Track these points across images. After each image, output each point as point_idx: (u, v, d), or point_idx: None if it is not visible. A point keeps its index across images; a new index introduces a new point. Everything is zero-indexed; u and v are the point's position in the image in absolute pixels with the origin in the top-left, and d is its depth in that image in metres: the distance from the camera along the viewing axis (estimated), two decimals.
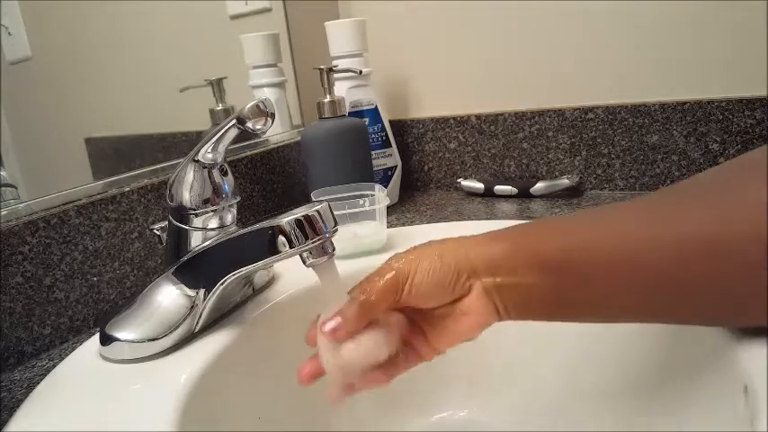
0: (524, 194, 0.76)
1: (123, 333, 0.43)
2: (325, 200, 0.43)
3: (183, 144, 0.69)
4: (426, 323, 0.39)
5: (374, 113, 0.78)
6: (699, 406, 0.40)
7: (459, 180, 0.83)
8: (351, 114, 0.75)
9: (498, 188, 0.78)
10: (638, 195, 0.72)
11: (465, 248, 0.37)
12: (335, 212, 0.42)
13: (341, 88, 0.76)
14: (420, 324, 0.39)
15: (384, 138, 0.80)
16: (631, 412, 0.47)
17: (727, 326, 0.37)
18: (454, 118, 0.83)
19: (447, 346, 0.39)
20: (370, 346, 0.36)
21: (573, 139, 0.76)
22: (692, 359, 0.42)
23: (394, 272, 0.36)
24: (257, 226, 0.41)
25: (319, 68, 0.70)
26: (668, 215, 0.34)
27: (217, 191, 0.45)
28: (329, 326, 0.36)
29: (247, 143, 0.73)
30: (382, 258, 0.59)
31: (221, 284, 0.44)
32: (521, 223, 0.39)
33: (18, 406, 0.39)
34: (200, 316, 0.45)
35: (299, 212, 0.39)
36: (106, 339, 0.43)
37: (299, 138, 0.76)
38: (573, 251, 0.35)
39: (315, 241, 0.39)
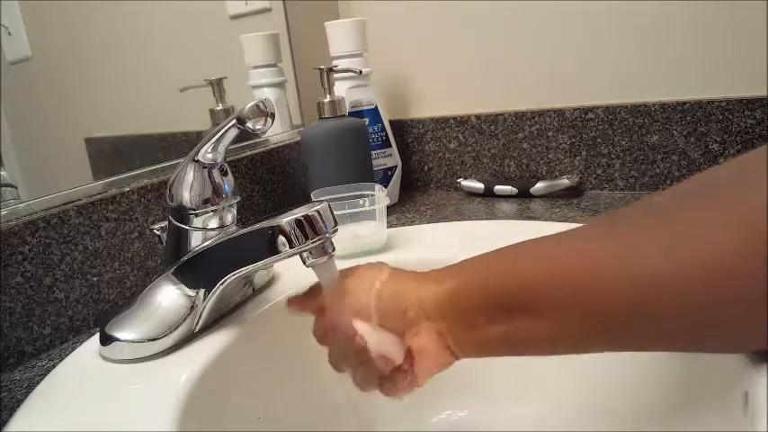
0: (524, 194, 0.76)
1: (123, 333, 0.43)
2: (325, 200, 0.43)
3: (183, 144, 0.69)
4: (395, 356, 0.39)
5: (374, 113, 0.78)
6: (698, 410, 0.40)
7: (459, 180, 0.83)
8: (351, 114, 0.75)
9: (498, 188, 0.78)
10: (638, 195, 0.72)
11: (417, 287, 0.37)
12: (335, 212, 0.42)
13: (341, 88, 0.76)
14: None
15: (384, 138, 0.80)
16: (630, 414, 0.47)
17: (716, 352, 0.35)
18: (454, 118, 0.83)
19: (422, 381, 0.38)
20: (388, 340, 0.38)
21: (573, 139, 0.76)
22: (691, 364, 0.42)
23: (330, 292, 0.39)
24: (257, 226, 0.41)
25: (319, 68, 0.70)
26: (620, 247, 0.30)
27: (217, 191, 0.45)
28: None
29: (247, 143, 0.73)
30: (382, 258, 0.59)
31: (221, 284, 0.44)
32: (470, 258, 0.37)
33: (18, 406, 0.39)
34: (200, 316, 0.45)
35: (299, 212, 0.39)
36: (106, 339, 0.43)
37: (299, 138, 0.76)
38: (522, 286, 0.33)
39: (315, 241, 0.39)
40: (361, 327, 0.38)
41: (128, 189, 0.56)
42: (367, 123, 0.76)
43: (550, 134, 0.77)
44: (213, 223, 0.46)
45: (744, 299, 0.26)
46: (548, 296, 0.32)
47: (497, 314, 0.34)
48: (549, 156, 0.78)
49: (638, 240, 0.30)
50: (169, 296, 0.45)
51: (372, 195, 0.59)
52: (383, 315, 0.37)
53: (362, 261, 0.56)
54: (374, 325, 0.38)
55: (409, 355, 0.37)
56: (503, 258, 0.36)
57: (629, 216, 0.33)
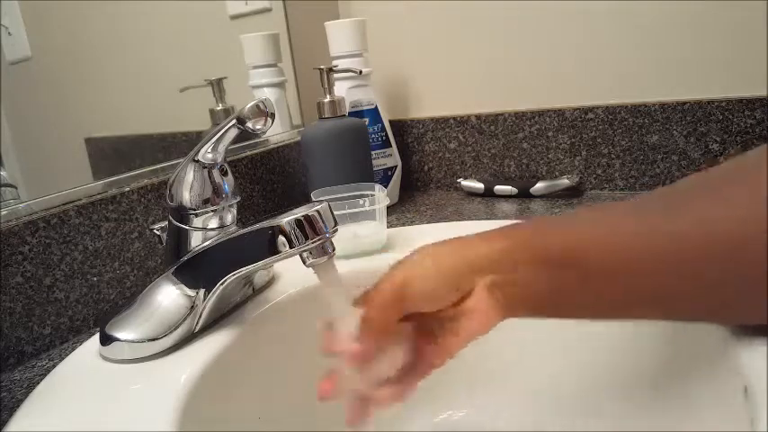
0: (524, 194, 0.76)
1: (123, 333, 0.43)
2: (325, 200, 0.43)
3: (183, 144, 0.69)
4: (435, 326, 0.38)
5: (374, 113, 0.78)
6: (699, 406, 0.40)
7: (459, 180, 0.83)
8: (351, 114, 0.75)
9: (498, 188, 0.78)
10: (638, 195, 0.72)
11: (464, 249, 0.37)
12: (335, 212, 0.42)
13: (341, 88, 0.76)
14: (428, 329, 0.39)
15: (384, 138, 0.80)
16: (631, 412, 0.47)
17: (729, 325, 0.37)
18: (454, 118, 0.83)
19: (457, 349, 0.39)
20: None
21: (573, 139, 0.76)
22: (692, 360, 0.42)
23: (392, 285, 0.36)
24: (257, 226, 0.41)
25: (319, 68, 0.70)
26: (663, 215, 0.34)
27: (217, 191, 0.45)
28: (350, 357, 0.37)
29: (247, 143, 0.73)
30: (382, 258, 0.59)
31: (221, 284, 0.44)
32: (520, 221, 0.39)
33: (18, 406, 0.39)
34: (200, 316, 0.45)
35: (299, 212, 0.39)
36: (106, 339, 0.43)
37: (299, 138, 0.76)
38: (576, 247, 0.35)
39: (315, 241, 0.39)
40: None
41: (128, 189, 0.56)
42: (367, 123, 0.76)
43: (550, 134, 0.77)
44: (213, 223, 0.46)
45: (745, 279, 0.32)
46: (604, 256, 0.34)
47: (550, 271, 0.35)
48: (549, 156, 0.78)
49: (694, 204, 0.34)
50: (169, 296, 0.45)
51: (372, 195, 0.59)
52: (445, 296, 0.36)
53: (362, 261, 0.57)
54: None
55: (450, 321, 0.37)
56: (556, 218, 0.38)
57: (676, 188, 0.37)
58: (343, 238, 0.56)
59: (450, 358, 0.39)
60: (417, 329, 0.39)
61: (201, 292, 0.45)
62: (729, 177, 0.35)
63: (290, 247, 0.39)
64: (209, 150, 0.44)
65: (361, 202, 0.58)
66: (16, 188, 0.52)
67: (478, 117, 0.82)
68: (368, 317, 0.36)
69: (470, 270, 0.36)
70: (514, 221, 0.40)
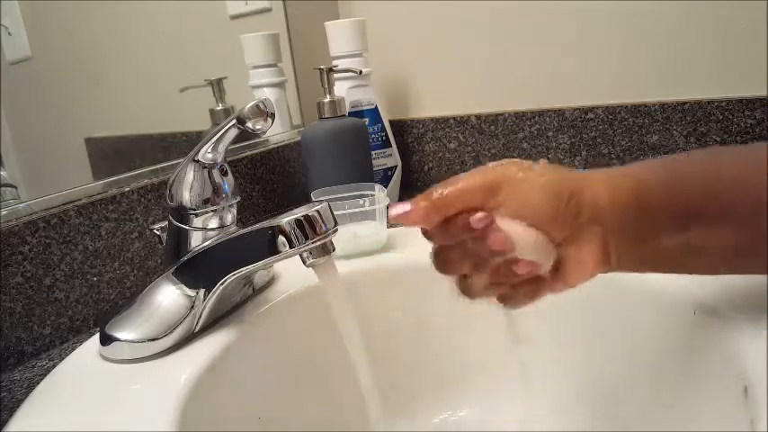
0: None
1: (123, 333, 0.43)
2: (325, 200, 0.43)
3: (183, 144, 0.69)
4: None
5: (374, 113, 0.78)
6: (699, 406, 0.40)
7: None
8: (351, 114, 0.75)
9: None
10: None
11: (579, 179, 0.33)
12: (335, 212, 0.42)
13: (341, 88, 0.76)
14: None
15: (384, 138, 0.80)
16: (632, 412, 0.47)
17: None
18: (454, 118, 0.83)
19: (543, 294, 0.35)
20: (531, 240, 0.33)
21: (573, 139, 0.76)
22: (691, 359, 0.42)
23: (488, 179, 0.32)
24: (257, 226, 0.41)
25: (319, 68, 0.70)
26: None
27: (217, 191, 0.45)
28: (394, 211, 0.33)
29: (247, 143, 0.73)
30: (382, 258, 0.59)
31: (221, 284, 0.44)
32: (645, 162, 0.35)
33: (18, 406, 0.39)
34: (200, 316, 0.45)
35: (299, 212, 0.39)
36: (106, 339, 0.43)
37: (299, 138, 0.76)
38: (711, 190, 0.31)
39: (315, 241, 0.39)
40: (510, 227, 0.32)
41: (128, 189, 0.56)
42: (367, 123, 0.76)
43: (550, 134, 0.77)
44: (213, 223, 0.46)
45: None
46: (740, 200, 0.31)
47: (679, 220, 0.32)
48: (549, 156, 0.78)
49: None
50: (169, 296, 0.45)
51: (372, 195, 0.59)
52: (549, 217, 0.32)
53: (362, 261, 0.57)
54: (527, 226, 0.32)
55: (558, 262, 0.34)
56: (687, 161, 0.33)
57: None
58: (343, 238, 0.56)
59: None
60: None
61: (201, 292, 0.45)
62: None
63: (290, 247, 0.39)
64: (209, 150, 0.44)
65: (361, 202, 0.58)
66: (16, 188, 0.52)
67: (478, 117, 0.82)
68: (440, 195, 0.33)
69: (591, 211, 0.32)
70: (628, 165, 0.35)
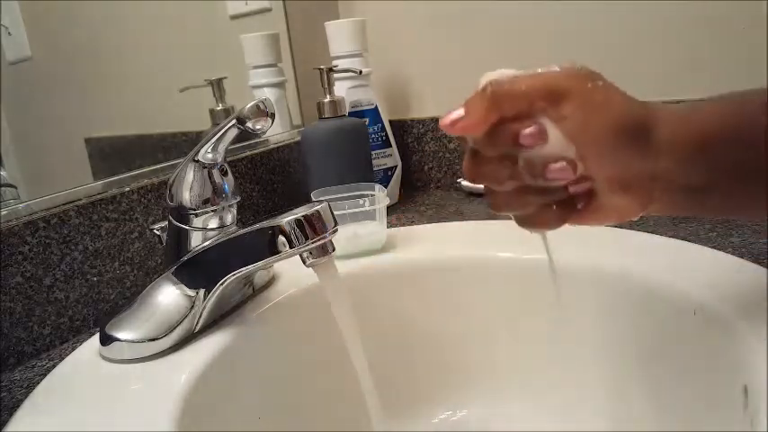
0: None
1: (123, 333, 0.43)
2: (325, 200, 0.43)
3: (183, 144, 0.69)
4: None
5: (374, 113, 0.78)
6: (699, 406, 0.40)
7: (459, 180, 0.83)
8: (351, 114, 0.75)
9: None
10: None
11: (662, 122, 0.32)
12: (335, 212, 0.42)
13: (341, 88, 0.76)
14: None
15: (384, 138, 0.80)
16: (631, 412, 0.47)
17: None
18: None
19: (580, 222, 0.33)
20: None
21: None
22: (692, 359, 0.42)
23: (557, 79, 0.30)
24: (257, 226, 0.41)
25: (319, 68, 0.70)
26: None
27: (217, 191, 0.45)
28: (449, 118, 0.30)
29: (247, 143, 0.73)
30: (382, 258, 0.59)
31: (221, 284, 0.44)
32: (704, 107, 0.34)
33: (18, 406, 0.39)
34: (200, 316, 0.45)
35: (299, 212, 0.39)
36: (106, 339, 0.43)
37: (299, 138, 0.76)
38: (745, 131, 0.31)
39: (315, 241, 0.39)
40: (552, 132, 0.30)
41: (128, 189, 0.56)
42: (367, 123, 0.76)
43: None
44: (213, 223, 0.46)
45: None
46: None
47: (745, 151, 0.31)
48: None
49: None
50: (169, 296, 0.45)
51: (372, 195, 0.59)
52: (609, 152, 0.30)
53: (362, 261, 0.57)
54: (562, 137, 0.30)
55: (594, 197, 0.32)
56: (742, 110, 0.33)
57: None
58: (343, 238, 0.56)
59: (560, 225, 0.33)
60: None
61: (201, 292, 0.45)
62: None
63: (290, 247, 0.39)
64: (209, 150, 0.44)
65: (361, 202, 0.58)
66: (16, 188, 0.52)
67: None
68: (500, 88, 0.30)
69: (654, 163, 0.30)
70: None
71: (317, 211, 0.40)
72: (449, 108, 0.32)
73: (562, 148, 0.30)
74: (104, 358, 0.44)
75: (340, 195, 0.60)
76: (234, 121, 0.42)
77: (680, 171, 0.31)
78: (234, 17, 0.77)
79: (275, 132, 0.79)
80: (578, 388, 0.51)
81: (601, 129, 0.30)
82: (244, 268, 0.43)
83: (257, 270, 0.47)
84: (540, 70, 0.32)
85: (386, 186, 0.79)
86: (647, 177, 0.31)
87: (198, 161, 0.45)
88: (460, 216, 0.72)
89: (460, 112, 0.30)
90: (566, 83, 0.30)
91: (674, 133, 0.31)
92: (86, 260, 0.52)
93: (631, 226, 0.60)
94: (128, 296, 0.56)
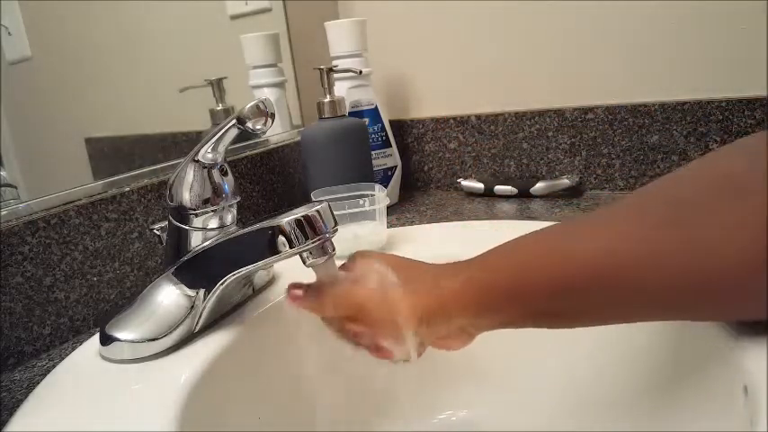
0: (524, 194, 0.76)
1: (123, 333, 0.43)
2: (325, 200, 0.43)
3: (183, 144, 0.69)
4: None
5: (374, 113, 0.78)
6: (699, 406, 0.40)
7: (459, 180, 0.83)
8: (351, 114, 0.75)
9: (498, 188, 0.78)
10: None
11: (432, 292, 0.38)
12: (335, 212, 0.42)
13: (341, 88, 0.76)
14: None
15: (384, 138, 0.80)
16: (631, 412, 0.47)
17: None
18: (454, 118, 0.83)
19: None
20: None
21: (573, 139, 0.76)
22: (692, 359, 0.42)
23: (356, 304, 0.39)
24: (257, 226, 0.41)
25: (319, 68, 0.70)
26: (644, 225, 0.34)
27: (217, 191, 0.45)
28: (293, 293, 0.41)
29: (247, 143, 0.73)
30: None
31: (221, 284, 0.44)
32: (477, 256, 0.39)
33: (18, 406, 0.39)
34: (200, 316, 0.45)
35: (299, 212, 0.39)
36: (106, 339, 0.43)
37: (299, 138, 0.76)
38: (519, 283, 0.36)
39: (315, 241, 0.39)
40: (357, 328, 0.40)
41: (128, 189, 0.56)
42: (367, 123, 0.76)
43: (550, 134, 0.77)
44: (213, 223, 0.46)
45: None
46: (576, 287, 0.34)
47: (497, 314, 0.37)
48: (549, 156, 0.78)
49: (663, 236, 0.33)
50: (169, 296, 0.45)
51: (372, 195, 0.59)
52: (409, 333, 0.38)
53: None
54: (369, 330, 0.39)
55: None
56: (523, 252, 0.38)
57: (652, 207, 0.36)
58: (343, 238, 0.56)
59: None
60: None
61: (201, 292, 0.45)
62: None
63: (290, 247, 0.39)
64: (209, 150, 0.44)
65: (361, 202, 0.58)
66: (16, 188, 0.52)
67: (478, 117, 0.82)
68: (319, 307, 0.40)
69: (441, 311, 0.38)
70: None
71: (317, 211, 0.40)
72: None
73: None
74: (104, 358, 0.44)
75: (340, 195, 0.60)
76: (234, 121, 0.42)
77: (480, 323, 0.38)
78: (234, 17, 0.77)
79: (275, 132, 0.79)
80: (578, 388, 0.51)
81: (394, 327, 0.38)
82: (244, 268, 0.43)
83: (257, 270, 0.47)
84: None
85: (386, 186, 0.79)
86: (455, 330, 0.39)
87: (198, 161, 0.45)
88: (460, 216, 0.72)
89: (298, 296, 0.41)
90: (360, 301, 0.39)
91: (459, 298, 0.37)
92: (86, 260, 0.52)
93: None
94: (128, 296, 0.56)
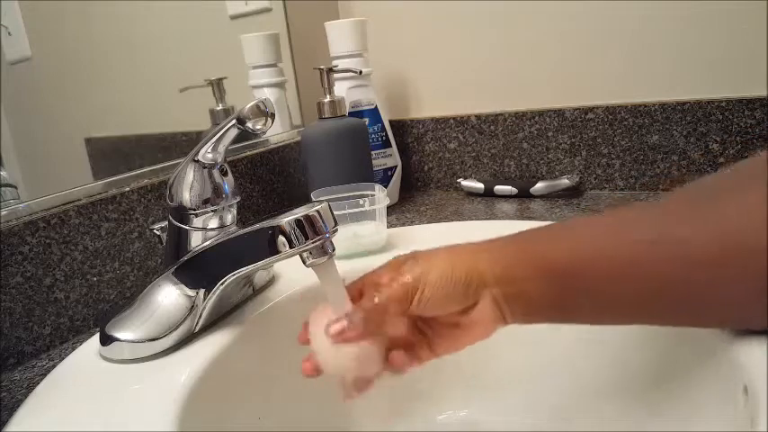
0: (524, 194, 0.76)
1: (123, 333, 0.43)
2: (325, 200, 0.43)
3: (183, 144, 0.69)
4: (430, 329, 0.39)
5: (374, 113, 0.78)
6: (699, 406, 0.40)
7: (459, 180, 0.83)
8: (351, 114, 0.75)
9: (498, 188, 0.78)
10: (638, 196, 0.72)
11: (474, 259, 0.37)
12: (335, 212, 0.42)
13: (341, 88, 0.76)
14: (423, 328, 0.39)
15: (384, 138, 0.80)
16: (631, 412, 0.47)
17: (728, 328, 0.37)
18: (454, 118, 0.83)
19: (447, 353, 0.39)
20: (369, 357, 0.37)
21: (573, 139, 0.76)
22: (692, 359, 0.42)
23: (403, 283, 0.36)
24: (257, 226, 0.41)
25: (319, 68, 0.70)
26: (670, 223, 0.34)
27: (217, 191, 0.45)
28: (335, 328, 0.36)
29: (247, 143, 0.73)
30: (382, 258, 0.59)
31: (221, 284, 0.44)
32: (525, 230, 0.39)
33: (18, 406, 0.39)
34: (200, 316, 0.45)
35: (299, 212, 0.39)
36: (106, 339, 0.43)
37: (299, 138, 0.76)
38: (578, 258, 0.35)
39: (315, 241, 0.39)
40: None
41: (128, 189, 0.56)
42: (367, 123, 0.76)
43: (550, 134, 0.77)
44: (213, 223, 0.46)
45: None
46: (605, 266, 0.34)
47: (554, 283, 0.35)
48: (549, 156, 0.78)
49: (693, 214, 0.33)
50: (169, 296, 0.45)
51: (372, 195, 0.59)
52: (445, 295, 0.36)
53: (362, 261, 0.57)
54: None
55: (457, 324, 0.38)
56: (559, 229, 0.38)
57: (674, 198, 0.37)
58: (343, 238, 0.56)
59: (435, 358, 0.40)
60: (412, 326, 0.39)
61: (201, 292, 0.45)
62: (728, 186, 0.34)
63: (290, 247, 0.39)
64: (209, 150, 0.44)
65: (361, 202, 0.58)
66: (16, 188, 0.52)
67: (478, 117, 0.82)
68: (369, 308, 0.36)
69: (480, 281, 0.36)
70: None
71: (317, 211, 0.40)
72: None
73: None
74: (104, 358, 0.44)
75: (340, 195, 0.60)
76: (234, 121, 0.42)
77: (508, 298, 0.37)
78: (234, 17, 0.77)
79: (275, 132, 0.79)
80: (578, 388, 0.51)
81: (440, 293, 0.36)
82: (244, 268, 0.43)
83: (257, 270, 0.47)
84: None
85: (386, 186, 0.79)
86: (488, 298, 0.37)
87: (198, 161, 0.45)
88: (460, 216, 0.72)
89: (344, 323, 0.37)
90: (406, 282, 0.36)
91: (491, 271, 0.37)
92: (86, 260, 0.52)
93: None
94: (128, 296, 0.56)
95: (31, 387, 0.42)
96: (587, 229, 0.37)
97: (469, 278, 0.36)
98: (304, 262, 0.40)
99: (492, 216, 0.71)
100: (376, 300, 0.36)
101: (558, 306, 0.36)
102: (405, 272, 0.37)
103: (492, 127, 0.81)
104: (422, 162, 0.88)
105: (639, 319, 0.37)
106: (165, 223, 0.48)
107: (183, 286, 0.45)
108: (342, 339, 0.36)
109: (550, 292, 0.36)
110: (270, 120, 0.43)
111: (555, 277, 0.35)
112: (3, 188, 0.51)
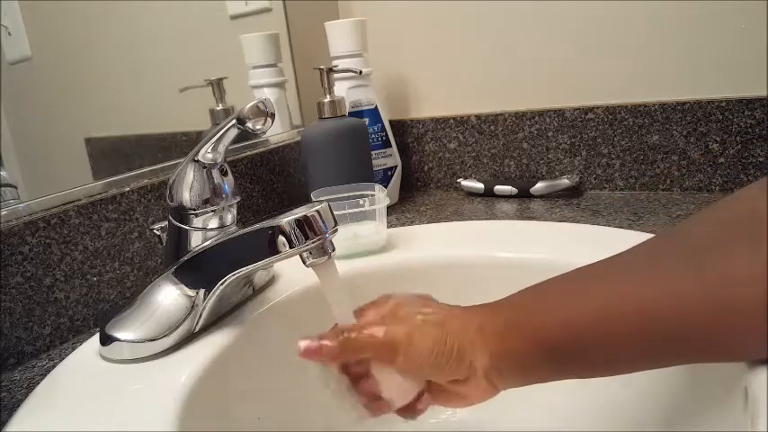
0: (524, 194, 0.76)
1: (123, 333, 0.43)
2: (325, 200, 0.43)
3: (183, 144, 0.69)
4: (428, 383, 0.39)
5: (374, 113, 0.78)
6: (699, 406, 0.40)
7: (459, 180, 0.83)
8: (351, 114, 0.75)
9: (498, 188, 0.78)
10: (638, 195, 0.72)
11: (466, 329, 0.37)
12: (335, 212, 0.42)
13: (341, 88, 0.76)
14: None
15: (384, 138, 0.80)
16: (630, 412, 0.47)
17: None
18: (454, 118, 0.83)
19: (441, 406, 0.40)
20: (394, 393, 0.38)
21: (573, 139, 0.76)
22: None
23: (389, 339, 0.36)
24: (257, 226, 0.41)
25: (319, 68, 0.70)
26: (669, 280, 0.33)
27: (217, 191, 0.45)
28: (304, 344, 0.37)
29: (247, 143, 0.73)
30: (382, 258, 0.59)
31: (221, 284, 0.44)
32: (520, 292, 0.38)
33: (18, 406, 0.39)
34: (200, 316, 0.45)
35: (298, 212, 0.39)
36: (106, 339, 0.43)
37: (299, 138, 0.76)
38: (574, 330, 0.35)
39: (315, 241, 0.39)
40: (381, 375, 0.38)
41: (128, 189, 0.56)
42: (367, 123, 0.76)
43: (550, 134, 0.77)
44: (213, 223, 0.46)
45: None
46: (592, 339, 0.34)
47: (545, 358, 0.36)
48: (549, 156, 0.78)
49: (686, 269, 0.32)
50: (169, 296, 0.45)
51: (372, 195, 0.59)
52: (435, 364, 0.36)
53: (362, 261, 0.57)
54: (395, 375, 0.37)
55: (421, 394, 0.39)
56: (547, 300, 0.37)
57: (659, 246, 0.35)
58: (343, 238, 0.56)
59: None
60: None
61: (201, 292, 0.45)
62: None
63: (290, 247, 0.39)
64: (209, 150, 0.44)
65: (361, 202, 0.58)
66: (16, 188, 0.52)
67: (478, 117, 0.82)
68: (349, 344, 0.37)
69: (473, 356, 0.36)
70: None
71: (317, 211, 0.40)
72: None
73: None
74: (104, 358, 0.44)
75: (340, 195, 0.60)
76: (234, 121, 0.42)
77: (499, 365, 0.37)
78: (234, 17, 0.77)
79: (275, 132, 0.79)
80: (578, 388, 0.51)
81: (427, 360, 0.36)
82: (244, 268, 0.43)
83: (257, 270, 0.47)
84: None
85: (386, 186, 0.79)
86: (480, 373, 0.37)
87: (198, 161, 0.45)
88: (460, 216, 0.72)
89: (317, 345, 0.37)
90: (395, 338, 0.36)
91: (480, 340, 0.37)
92: (86, 260, 0.52)
93: (630, 225, 0.60)
94: (128, 296, 0.56)
95: (31, 387, 0.42)
96: (581, 293, 0.36)
97: (462, 354, 0.36)
98: (304, 262, 0.40)
99: (492, 216, 0.71)
100: (356, 341, 0.37)
101: (554, 371, 0.37)
102: (393, 328, 0.36)
103: (492, 127, 0.81)
104: (422, 162, 0.88)
105: (639, 370, 0.37)
106: (165, 223, 0.48)
107: (183, 286, 0.45)
108: (304, 356, 0.37)
109: (548, 364, 0.36)
110: (270, 120, 0.43)
111: (551, 350, 0.35)
112: (3, 188, 0.51)
